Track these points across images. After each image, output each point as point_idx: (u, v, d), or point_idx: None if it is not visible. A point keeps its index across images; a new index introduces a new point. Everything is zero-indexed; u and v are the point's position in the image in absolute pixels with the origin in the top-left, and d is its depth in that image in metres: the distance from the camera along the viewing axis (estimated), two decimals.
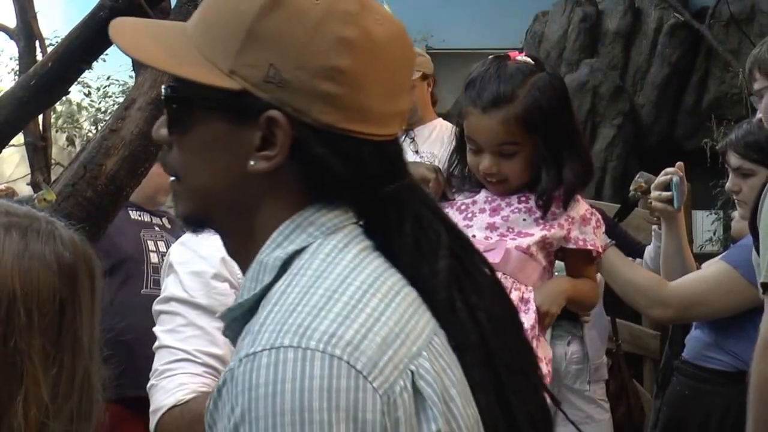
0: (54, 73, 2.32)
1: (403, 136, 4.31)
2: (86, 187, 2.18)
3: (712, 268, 2.61)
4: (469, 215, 1.87)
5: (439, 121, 4.34)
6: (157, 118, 2.19)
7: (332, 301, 0.94)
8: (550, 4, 7.78)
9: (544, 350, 1.87)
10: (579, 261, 1.94)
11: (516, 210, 1.85)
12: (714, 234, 6.73)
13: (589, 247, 1.87)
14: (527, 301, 1.85)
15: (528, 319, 1.80)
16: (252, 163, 1.00)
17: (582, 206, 1.89)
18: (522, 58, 1.86)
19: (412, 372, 0.94)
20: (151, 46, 1.04)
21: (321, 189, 1.02)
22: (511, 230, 1.84)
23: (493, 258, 1.79)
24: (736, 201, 2.82)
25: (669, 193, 2.70)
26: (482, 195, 1.89)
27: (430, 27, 7.82)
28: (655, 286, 2.59)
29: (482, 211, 1.87)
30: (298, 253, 1.00)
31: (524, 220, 1.84)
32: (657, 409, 3.01)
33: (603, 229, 1.94)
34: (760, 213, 2.16)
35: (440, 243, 1.04)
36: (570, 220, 1.86)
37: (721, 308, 2.57)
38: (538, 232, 1.83)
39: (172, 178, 1.08)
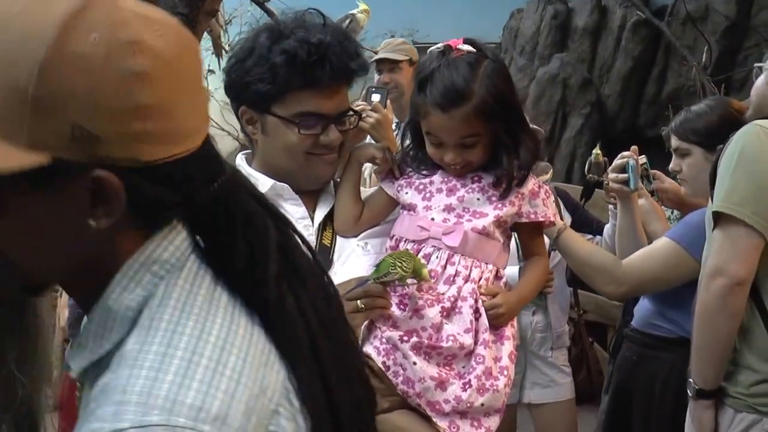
0: None
1: (396, 131, 4.29)
2: None
3: (659, 244, 2.60)
4: (428, 195, 1.82)
5: None
6: None
7: (193, 366, 0.84)
8: (524, 2, 7.77)
9: (512, 329, 1.84)
10: (530, 234, 1.90)
11: (470, 190, 1.81)
12: (672, 213, 6.72)
13: (540, 219, 1.83)
14: (500, 278, 1.83)
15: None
16: (93, 223, 0.87)
17: (530, 181, 1.84)
18: (464, 47, 1.79)
19: None
20: None
21: (154, 219, 0.92)
22: (466, 210, 1.79)
23: (452, 241, 1.76)
24: (678, 180, 2.82)
25: (625, 175, 2.70)
26: (438, 176, 1.85)
27: (415, 23, 7.81)
28: (609, 265, 2.58)
29: (439, 191, 1.82)
30: (146, 300, 0.89)
31: (478, 199, 1.80)
32: (609, 373, 3.01)
33: (552, 198, 1.89)
34: (721, 160, 2.18)
35: (270, 244, 0.95)
36: (520, 196, 1.81)
37: (670, 282, 2.57)
38: (491, 212, 1.79)
39: None
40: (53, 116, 0.82)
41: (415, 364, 1.69)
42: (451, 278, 1.76)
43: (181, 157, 0.88)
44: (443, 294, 1.74)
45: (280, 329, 0.94)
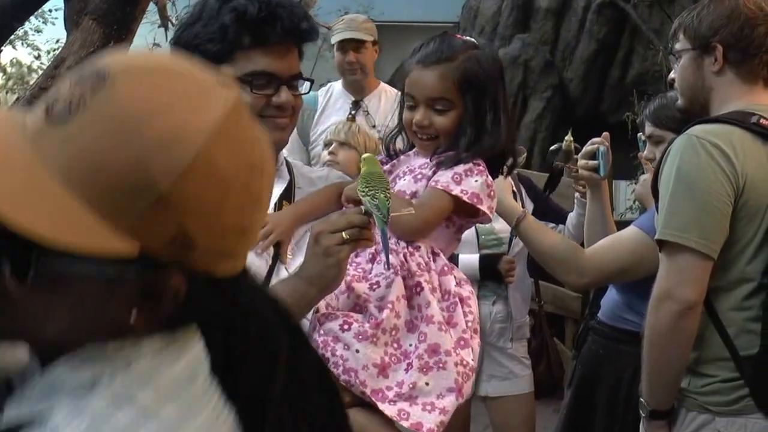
0: None
1: (356, 110, 4.29)
2: None
3: (625, 234, 2.58)
4: (419, 176, 1.85)
5: (383, 87, 4.37)
6: None
7: None
8: None
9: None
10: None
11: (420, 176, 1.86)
12: (634, 202, 6.78)
13: (440, 188, 1.80)
14: (437, 255, 1.82)
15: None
16: (132, 317, 0.85)
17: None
18: (467, 37, 1.91)
19: None
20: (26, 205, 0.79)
21: (176, 323, 0.90)
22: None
23: None
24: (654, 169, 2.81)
25: (595, 162, 2.71)
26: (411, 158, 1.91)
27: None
28: (571, 254, 2.56)
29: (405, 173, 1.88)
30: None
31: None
32: (573, 367, 3.00)
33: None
34: (661, 176, 2.14)
35: (278, 364, 0.94)
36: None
37: (637, 273, 2.54)
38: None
39: None
40: (169, 215, 0.81)
41: (357, 351, 1.68)
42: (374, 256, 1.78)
43: (234, 274, 0.90)
44: (371, 273, 1.76)
45: None
